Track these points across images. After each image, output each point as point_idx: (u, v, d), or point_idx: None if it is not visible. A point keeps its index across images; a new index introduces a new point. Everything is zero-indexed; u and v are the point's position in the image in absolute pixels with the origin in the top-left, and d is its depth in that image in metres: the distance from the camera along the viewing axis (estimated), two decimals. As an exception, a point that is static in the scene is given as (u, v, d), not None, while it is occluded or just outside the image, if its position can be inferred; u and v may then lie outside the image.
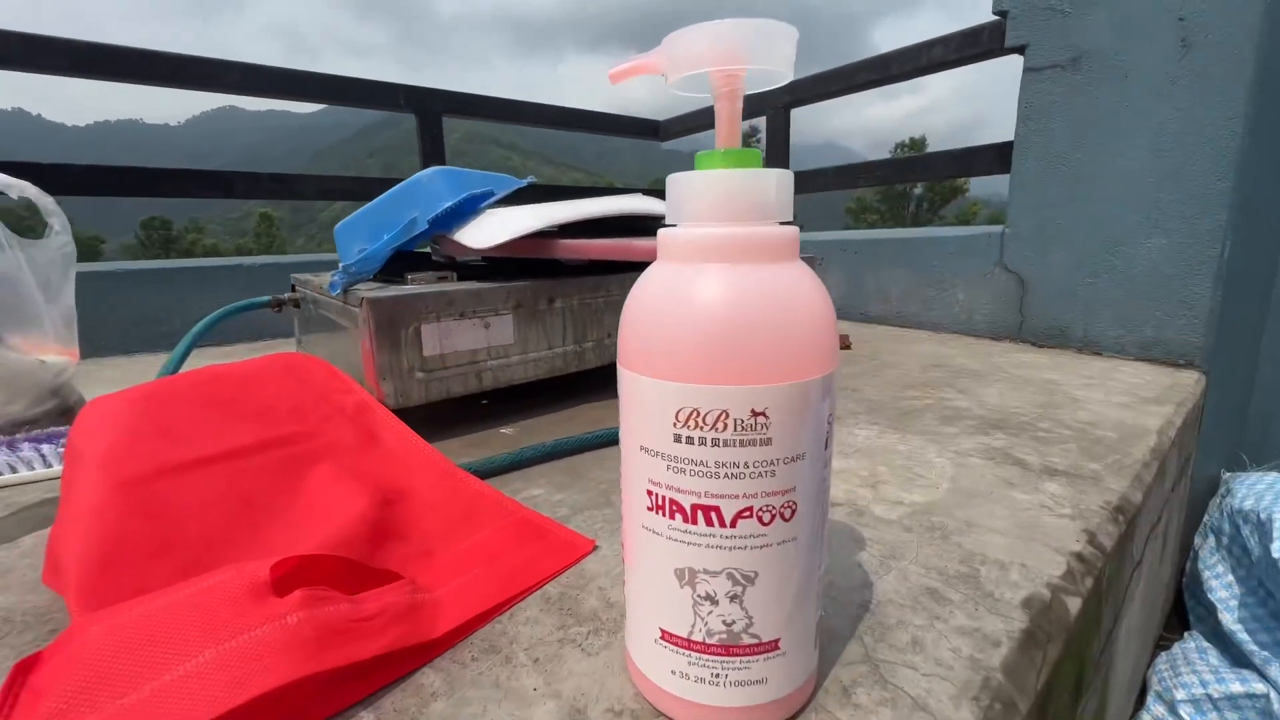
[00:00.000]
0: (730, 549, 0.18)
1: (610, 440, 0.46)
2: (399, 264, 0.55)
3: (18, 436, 0.42)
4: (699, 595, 0.19)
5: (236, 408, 0.36)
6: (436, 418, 0.51)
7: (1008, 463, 0.42)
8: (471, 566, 0.29)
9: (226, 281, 0.95)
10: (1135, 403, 0.55)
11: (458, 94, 1.17)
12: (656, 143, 1.54)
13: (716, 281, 0.17)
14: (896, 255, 0.94)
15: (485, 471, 0.40)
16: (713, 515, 0.18)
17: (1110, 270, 0.72)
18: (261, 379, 0.40)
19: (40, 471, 0.40)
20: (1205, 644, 0.64)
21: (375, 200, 0.54)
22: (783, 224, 0.18)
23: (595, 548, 0.32)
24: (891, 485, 0.39)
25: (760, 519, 0.18)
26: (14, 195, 0.47)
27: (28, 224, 0.55)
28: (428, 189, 0.51)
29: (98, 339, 0.84)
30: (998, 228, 0.82)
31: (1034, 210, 0.77)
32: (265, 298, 0.61)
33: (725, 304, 0.17)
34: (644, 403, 0.18)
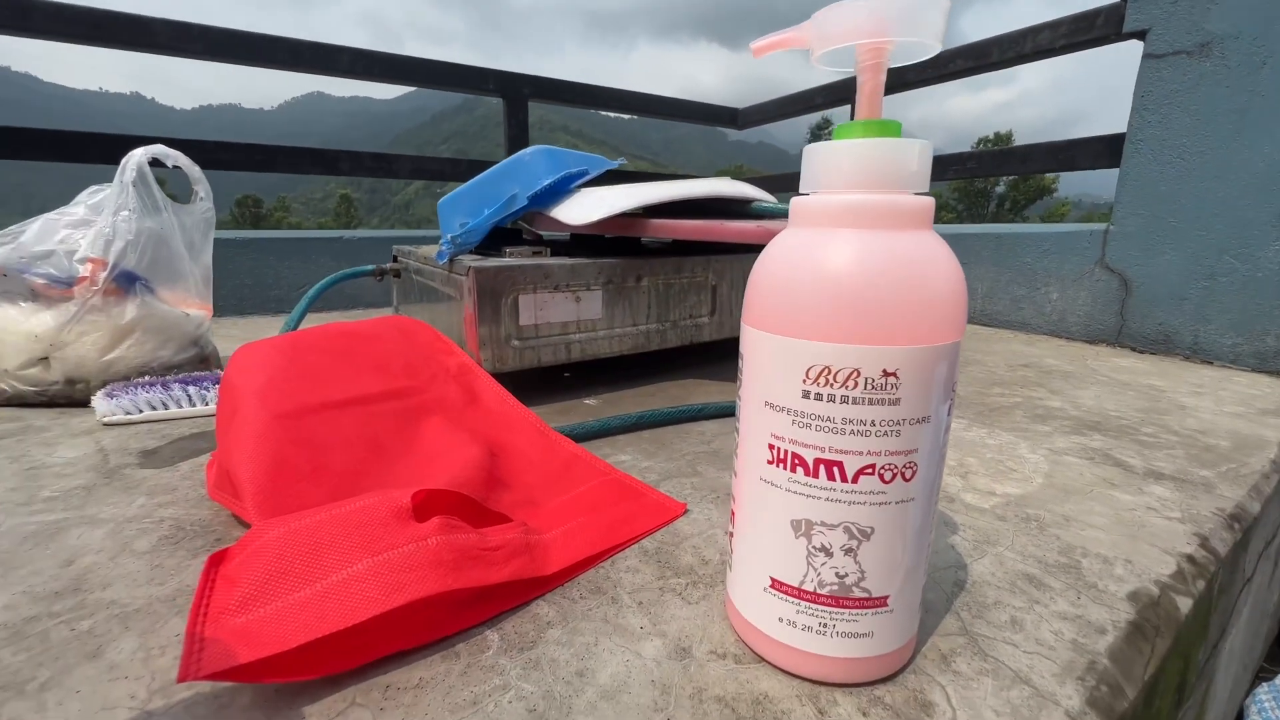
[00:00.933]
0: (849, 504, 0.19)
1: (695, 415, 0.47)
2: (495, 238, 0.58)
3: (167, 378, 0.47)
4: (814, 546, 0.20)
5: (360, 360, 0.40)
6: (524, 384, 0.53)
7: (1107, 463, 0.41)
8: (572, 517, 0.31)
9: (325, 251, 1.02)
10: (1251, 414, 0.52)
11: (543, 78, 1.20)
12: (724, 133, 1.54)
13: (853, 245, 0.18)
14: (984, 251, 0.90)
15: (576, 435, 0.42)
16: (835, 470, 0.19)
17: (1229, 273, 0.67)
18: (379, 336, 0.43)
19: (187, 409, 0.45)
20: (1313, 680, 0.60)
21: (477, 178, 0.57)
22: (917, 194, 0.19)
23: (686, 510, 0.33)
24: (982, 476, 0.38)
25: (882, 477, 0.19)
26: (169, 164, 0.52)
27: (170, 192, 0.61)
28: (528, 167, 0.54)
29: (216, 299, 0.92)
30: (1099, 225, 0.78)
31: (1144, 207, 0.72)
32: (369, 267, 0.65)
33: (862, 266, 0.18)
34: (772, 360, 0.19)
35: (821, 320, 0.18)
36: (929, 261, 0.18)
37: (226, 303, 0.94)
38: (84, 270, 0.47)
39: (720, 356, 0.67)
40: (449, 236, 0.50)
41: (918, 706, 0.20)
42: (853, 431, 0.18)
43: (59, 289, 0.46)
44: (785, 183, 1.29)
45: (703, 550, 0.29)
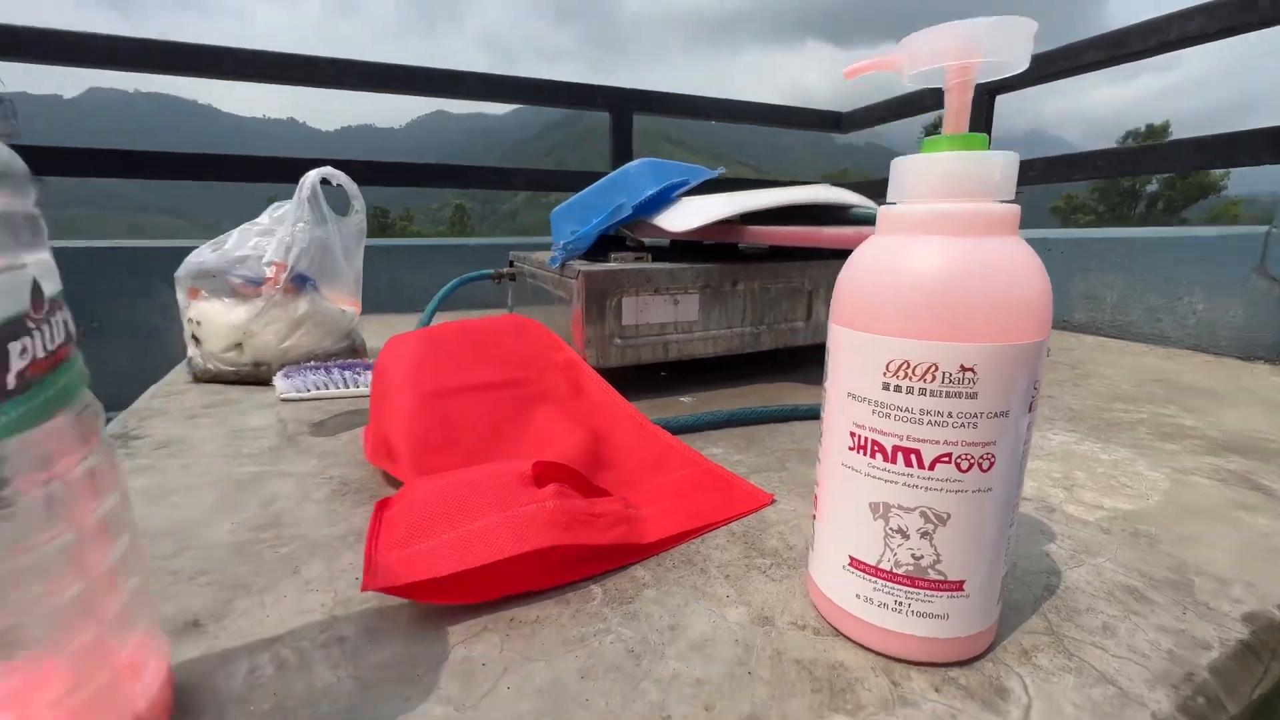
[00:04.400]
0: (925, 489, 0.20)
1: (787, 416, 0.48)
2: (602, 245, 0.62)
3: (328, 364, 0.56)
4: (890, 528, 0.21)
5: (484, 353, 0.45)
6: (624, 381, 0.57)
7: (1244, 486, 0.38)
8: (667, 498, 0.34)
9: (448, 257, 1.13)
10: None
11: (648, 92, 1.25)
12: (831, 137, 1.50)
13: (934, 249, 0.20)
14: (1115, 257, 0.83)
15: (672, 428, 0.45)
16: (912, 457, 0.20)
17: None
18: (499, 333, 0.49)
19: (344, 390, 0.54)
20: None
21: (586, 190, 0.62)
22: (1003, 202, 0.20)
23: (774, 500, 0.35)
24: (1089, 490, 0.37)
25: (958, 465, 0.20)
26: (334, 183, 0.62)
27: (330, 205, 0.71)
28: (634, 179, 0.58)
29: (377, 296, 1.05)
30: (1260, 228, 0.70)
31: (1316, 207, 0.64)
32: (489, 271, 0.73)
33: (941, 266, 0.19)
34: (856, 354, 0.21)
35: (901, 318, 0.20)
36: (1009, 265, 0.19)
37: (367, 301, 1.06)
38: (269, 272, 0.57)
39: (814, 362, 0.67)
40: (561, 243, 0.55)
41: (992, 690, 0.21)
42: (930, 422, 0.20)
43: (251, 287, 0.56)
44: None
45: (788, 537, 0.31)
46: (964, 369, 0.19)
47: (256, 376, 0.58)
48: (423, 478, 0.29)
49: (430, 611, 0.25)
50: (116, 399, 0.50)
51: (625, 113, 1.20)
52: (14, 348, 0.14)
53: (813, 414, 0.49)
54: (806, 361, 0.67)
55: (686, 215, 0.54)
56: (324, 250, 0.61)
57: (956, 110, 0.21)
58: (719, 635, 0.24)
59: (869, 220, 0.57)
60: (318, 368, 0.55)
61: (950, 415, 0.20)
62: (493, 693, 0.21)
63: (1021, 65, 0.20)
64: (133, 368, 0.97)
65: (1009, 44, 0.19)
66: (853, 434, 0.22)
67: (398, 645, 0.23)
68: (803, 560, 0.29)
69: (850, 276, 0.22)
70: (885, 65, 0.22)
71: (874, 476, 0.21)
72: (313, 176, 0.59)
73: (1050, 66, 0.99)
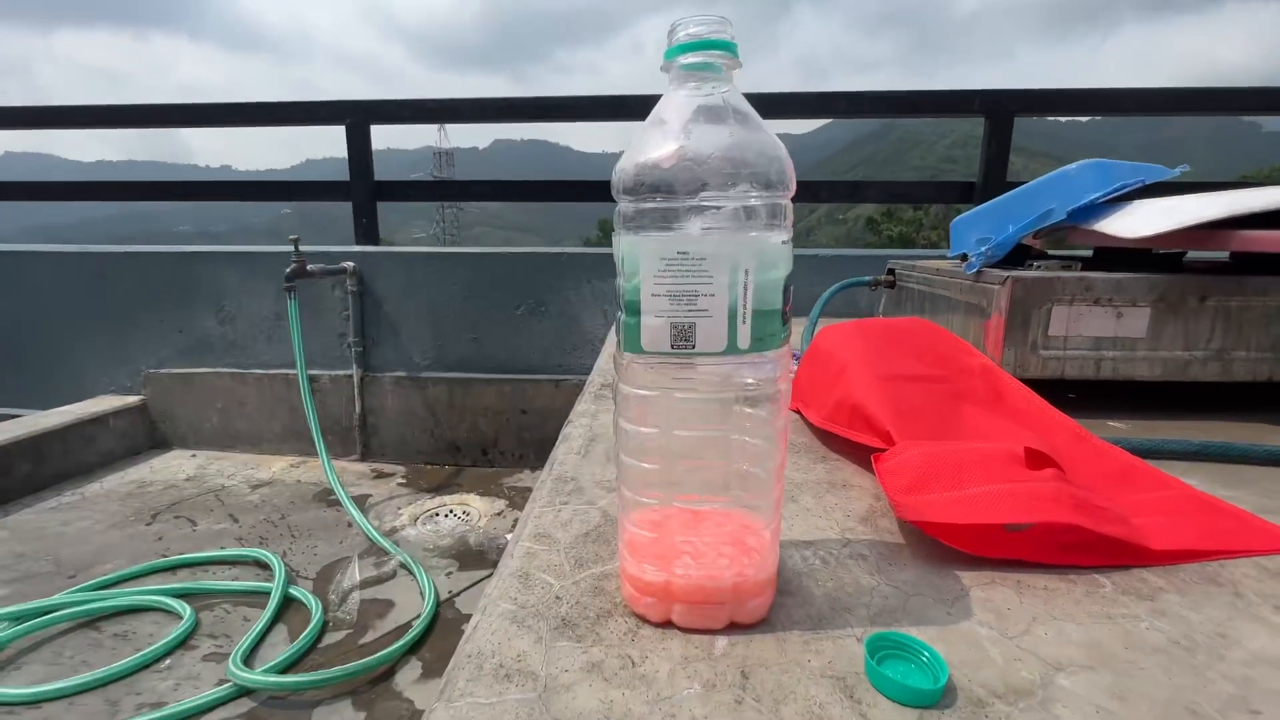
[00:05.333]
0: None
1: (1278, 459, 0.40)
2: (1006, 259, 0.59)
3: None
4: None
5: (905, 348, 0.48)
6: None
7: None
8: (1157, 514, 0.32)
9: (831, 267, 1.19)
10: None
11: (1029, 91, 1.13)
12: (1252, 125, 1.12)
13: None
14: None
15: (1126, 448, 0.41)
16: None
17: None
18: (913, 332, 0.51)
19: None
20: None
21: (1000, 198, 0.60)
22: None
23: (1311, 547, 0.30)
24: None
25: None
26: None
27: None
28: (1074, 181, 0.54)
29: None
30: None
31: None
32: (868, 278, 0.76)
33: None
34: None
35: None
36: None
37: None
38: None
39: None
40: (981, 250, 0.55)
41: None
42: None
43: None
44: None
45: (1354, 588, 0.26)
46: None
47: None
48: (907, 443, 0.33)
49: (932, 553, 0.29)
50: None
51: (1005, 116, 1.10)
52: (788, 291, 0.21)
53: (1337, 464, 0.39)
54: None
55: (1147, 219, 0.48)
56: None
57: None
58: (1292, 658, 0.22)
59: None
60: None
61: None
62: (1028, 633, 0.23)
63: None
64: (562, 341, 1.29)
65: None
66: None
67: (917, 572, 0.27)
68: (1392, 618, 0.24)
69: None
70: None
71: None
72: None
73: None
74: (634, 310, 0.21)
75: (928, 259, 0.75)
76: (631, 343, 0.22)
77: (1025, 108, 1.12)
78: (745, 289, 0.20)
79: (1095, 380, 0.50)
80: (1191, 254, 0.57)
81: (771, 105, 1.17)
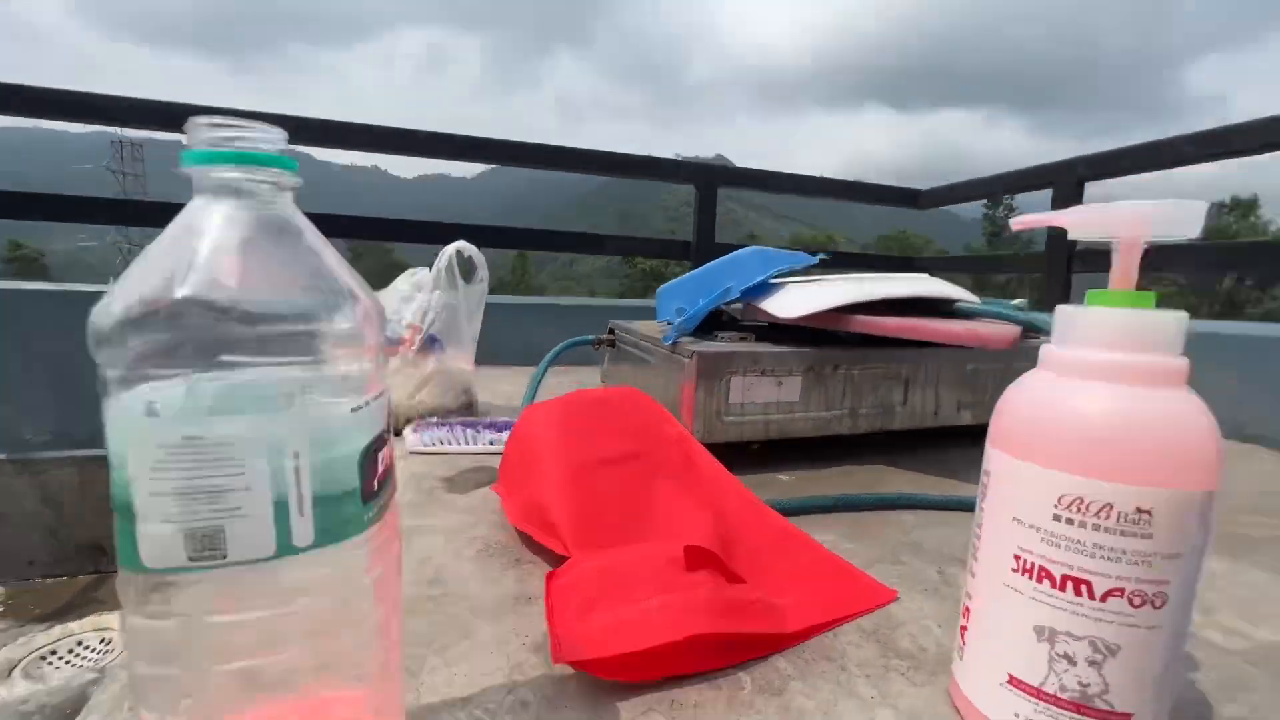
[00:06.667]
0: (1096, 619, 0.22)
1: (893, 504, 0.49)
2: (704, 322, 0.66)
3: (449, 420, 0.61)
4: (1056, 653, 0.23)
5: (609, 424, 0.48)
6: (721, 455, 0.59)
7: (1401, 625, 0.36)
8: (797, 587, 0.35)
9: (573, 318, 1.18)
10: None
11: (732, 168, 1.32)
12: (908, 209, 1.52)
13: (1110, 395, 0.22)
14: (1227, 354, 0.81)
15: (781, 509, 0.47)
16: (1083, 587, 0.22)
17: None
18: (619, 405, 0.52)
19: (468, 447, 0.58)
20: None
21: (696, 270, 0.67)
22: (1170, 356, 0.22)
23: (897, 598, 0.36)
24: (1228, 614, 0.36)
25: (1131, 600, 0.21)
26: (466, 255, 0.68)
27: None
28: (744, 264, 0.62)
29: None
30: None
31: None
32: (590, 337, 0.77)
33: (1120, 415, 0.21)
34: (1023, 482, 0.23)
35: (1077, 455, 0.22)
36: (1185, 415, 0.21)
37: (483, 354, 1.14)
38: (406, 333, 0.63)
39: (905, 445, 0.68)
40: (677, 322, 0.59)
41: (1163, 828, 0.22)
42: (1103, 556, 0.21)
43: (391, 347, 0.62)
44: (965, 264, 1.25)
45: (919, 639, 0.32)
46: (1140, 510, 0.21)
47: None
48: (585, 552, 0.31)
49: (596, 684, 0.27)
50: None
51: (710, 186, 1.26)
52: (381, 456, 0.18)
53: (920, 504, 0.49)
54: (900, 445, 0.68)
55: (796, 301, 0.57)
56: (452, 314, 0.67)
57: (1123, 269, 0.23)
58: (874, 738, 0.25)
59: (974, 315, 0.58)
60: (441, 424, 0.60)
61: (1124, 552, 0.21)
62: (671, 773, 0.23)
63: (1192, 235, 0.22)
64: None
65: (1179, 222, 0.21)
66: (1018, 557, 0.23)
67: (575, 715, 0.26)
68: (939, 665, 0.30)
69: (1019, 406, 0.24)
70: (1053, 222, 0.24)
71: (1040, 601, 0.23)
72: (451, 250, 0.66)
73: (1145, 159, 0.99)
74: (126, 513, 0.15)
75: (648, 319, 0.79)
76: (128, 556, 0.15)
77: (726, 180, 1.30)
78: (298, 474, 0.16)
79: (766, 440, 0.58)
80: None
81: (522, 154, 1.17)
